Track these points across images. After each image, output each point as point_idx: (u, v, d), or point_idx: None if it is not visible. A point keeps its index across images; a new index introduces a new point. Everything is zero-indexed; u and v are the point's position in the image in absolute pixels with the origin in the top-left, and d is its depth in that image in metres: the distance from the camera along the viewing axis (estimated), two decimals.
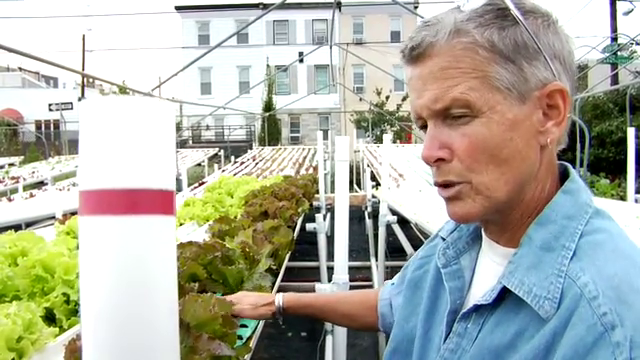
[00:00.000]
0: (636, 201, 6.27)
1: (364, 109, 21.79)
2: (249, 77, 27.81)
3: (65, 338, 1.35)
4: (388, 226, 4.72)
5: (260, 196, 3.84)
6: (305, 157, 11.41)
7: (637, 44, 16.25)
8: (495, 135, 0.75)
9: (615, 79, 19.41)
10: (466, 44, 0.74)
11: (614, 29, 19.74)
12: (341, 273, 2.35)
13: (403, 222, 4.84)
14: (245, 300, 1.34)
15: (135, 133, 0.36)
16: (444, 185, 0.80)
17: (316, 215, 4.38)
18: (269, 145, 17.58)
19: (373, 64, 10.39)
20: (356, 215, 9.83)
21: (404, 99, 20.56)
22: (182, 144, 22.30)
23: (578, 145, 9.30)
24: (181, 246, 1.75)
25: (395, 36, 27.48)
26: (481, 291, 0.83)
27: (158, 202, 0.36)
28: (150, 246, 0.36)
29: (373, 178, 8.63)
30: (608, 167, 12.88)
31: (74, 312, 1.48)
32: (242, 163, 11.08)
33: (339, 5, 26.90)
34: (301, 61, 22.73)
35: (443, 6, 0.86)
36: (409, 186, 7.50)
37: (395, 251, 5.98)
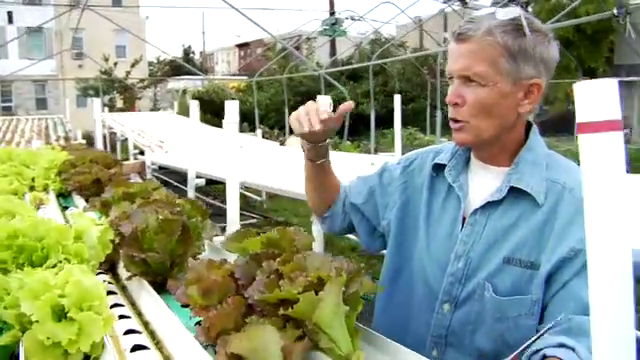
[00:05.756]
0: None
1: (86, 76, 20.41)
2: None
3: None
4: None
5: (80, 165, 3.58)
6: (47, 127, 10.41)
7: (352, 19, 18.25)
8: (492, 99, 1.20)
9: (333, 50, 21.47)
10: (491, 41, 1.17)
11: (331, 5, 21.92)
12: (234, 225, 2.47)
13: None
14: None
15: None
16: (454, 120, 1.25)
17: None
18: None
19: (122, 26, 9.85)
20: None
21: (133, 65, 19.76)
22: None
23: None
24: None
25: (116, 1, 26.08)
26: (478, 196, 1.29)
27: None
28: None
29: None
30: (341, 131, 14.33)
31: None
32: None
33: None
34: (11, 22, 20.16)
35: None
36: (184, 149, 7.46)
37: None
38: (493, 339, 1.23)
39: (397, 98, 5.87)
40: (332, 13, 24.49)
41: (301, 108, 1.35)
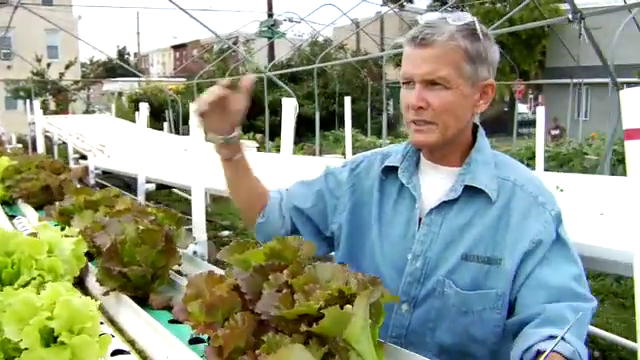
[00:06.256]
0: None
1: (16, 77, 19.50)
2: None
3: None
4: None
5: (26, 171, 3.38)
6: None
7: (290, 20, 18.22)
8: (456, 101, 1.25)
9: (272, 52, 21.36)
10: (454, 46, 1.22)
11: (270, 6, 21.83)
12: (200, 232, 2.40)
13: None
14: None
15: None
16: (418, 122, 1.27)
17: None
18: None
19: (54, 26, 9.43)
20: None
21: (68, 66, 18.97)
22: None
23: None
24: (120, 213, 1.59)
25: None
26: (431, 197, 1.32)
27: None
28: None
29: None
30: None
31: None
32: None
33: None
34: None
35: None
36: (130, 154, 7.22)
37: None
38: (457, 334, 1.26)
39: (347, 100, 5.85)
40: (270, 15, 24.41)
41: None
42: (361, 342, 0.84)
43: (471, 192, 1.28)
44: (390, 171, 1.40)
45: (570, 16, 4.05)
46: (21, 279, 1.24)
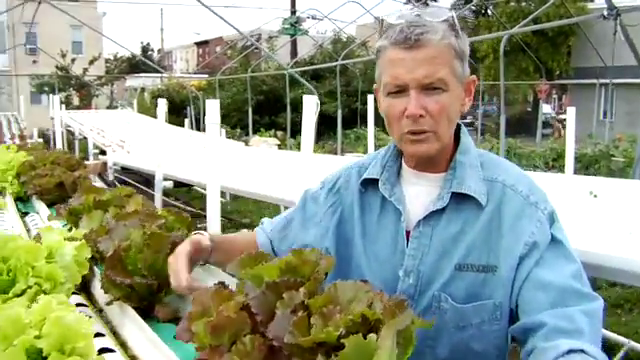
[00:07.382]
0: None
1: (40, 72, 19.68)
2: None
3: None
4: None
5: (41, 166, 3.32)
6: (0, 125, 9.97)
7: (314, 18, 18.12)
8: (452, 103, 1.16)
9: (295, 49, 21.30)
10: (447, 44, 1.13)
11: (293, 3, 21.75)
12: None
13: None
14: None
15: None
16: (418, 132, 1.16)
17: None
18: None
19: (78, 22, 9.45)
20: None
21: (92, 62, 19.12)
22: None
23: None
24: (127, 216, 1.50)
25: None
26: (417, 207, 1.22)
27: None
28: None
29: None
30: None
31: None
32: None
33: None
34: None
35: None
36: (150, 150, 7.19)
37: None
38: (457, 349, 1.18)
39: (370, 98, 5.73)
40: (293, 12, 24.33)
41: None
42: None
43: (459, 198, 1.19)
44: (370, 183, 1.30)
45: (605, 12, 3.86)
46: (16, 287, 1.15)
